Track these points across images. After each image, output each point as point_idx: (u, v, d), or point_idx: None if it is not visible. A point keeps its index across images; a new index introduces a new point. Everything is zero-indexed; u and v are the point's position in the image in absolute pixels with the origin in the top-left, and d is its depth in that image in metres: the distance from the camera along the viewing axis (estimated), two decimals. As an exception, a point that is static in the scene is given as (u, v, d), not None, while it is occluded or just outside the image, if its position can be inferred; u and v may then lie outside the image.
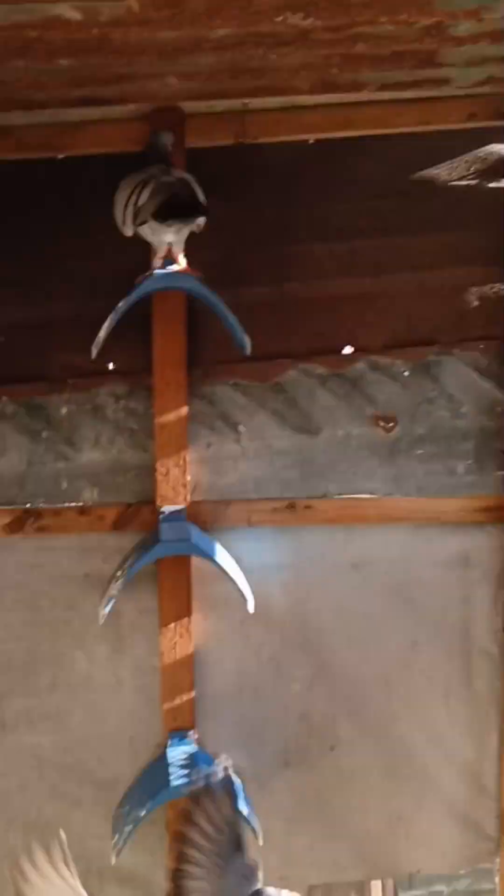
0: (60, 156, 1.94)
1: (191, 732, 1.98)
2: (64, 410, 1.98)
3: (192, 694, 1.99)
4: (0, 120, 1.88)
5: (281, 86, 1.80)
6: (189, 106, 1.90)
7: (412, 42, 1.58)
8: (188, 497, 1.93)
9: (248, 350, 1.85)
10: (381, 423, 1.97)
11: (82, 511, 1.98)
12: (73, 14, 1.32)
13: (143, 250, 1.84)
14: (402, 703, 2.00)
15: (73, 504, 1.98)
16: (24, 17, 1.32)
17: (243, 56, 1.61)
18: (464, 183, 1.92)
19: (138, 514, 1.96)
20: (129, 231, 1.76)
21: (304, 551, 1.99)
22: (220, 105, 1.91)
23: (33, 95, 1.75)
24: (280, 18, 1.43)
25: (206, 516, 1.95)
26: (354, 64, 1.68)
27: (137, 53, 1.55)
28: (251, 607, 1.79)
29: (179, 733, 1.98)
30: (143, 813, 1.79)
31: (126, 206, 1.74)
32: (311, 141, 1.95)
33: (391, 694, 2.01)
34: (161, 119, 1.90)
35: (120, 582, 1.78)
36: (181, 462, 1.92)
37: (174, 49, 1.55)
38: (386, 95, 1.87)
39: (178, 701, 1.99)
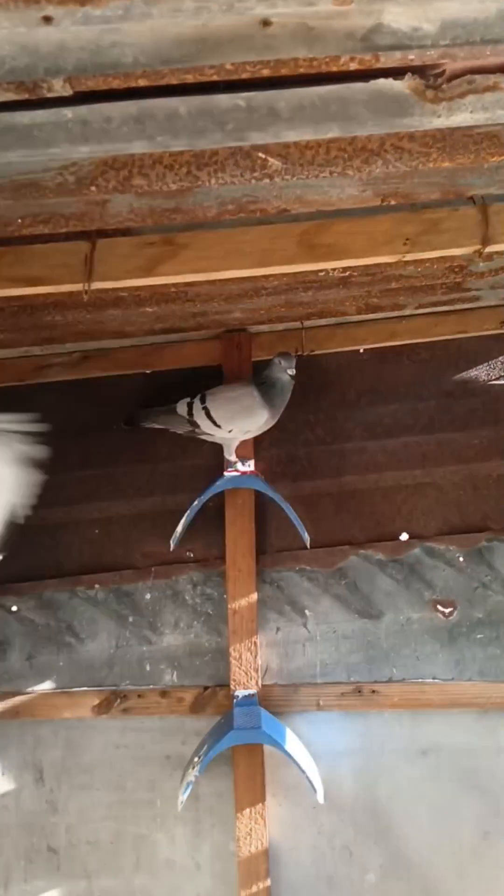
0: (148, 371, 2.26)
1: (268, 923, 1.98)
2: (148, 596, 2.17)
3: (268, 882, 2.00)
4: (98, 345, 2.22)
5: (331, 310, 2.07)
6: (254, 328, 2.20)
7: (439, 278, 1.82)
8: (259, 681, 2.05)
9: (308, 544, 2.03)
10: (440, 608, 2.06)
11: (163, 693, 2.12)
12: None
13: (219, 448, 2.10)
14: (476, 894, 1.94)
15: (155, 686, 2.13)
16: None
17: (295, 297, 1.89)
18: (502, 382, 2.10)
19: (214, 697, 2.09)
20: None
21: (372, 736, 2.03)
22: (280, 325, 2.20)
23: (125, 329, 2.08)
24: (322, 273, 1.71)
25: (276, 700, 2.05)
26: (392, 294, 1.93)
27: (207, 301, 1.86)
28: (321, 798, 1.84)
29: (257, 923, 1.99)
30: None
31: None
32: (361, 350, 2.20)
33: (464, 884, 1.95)
34: (231, 340, 2.21)
35: (196, 768, 1.87)
36: (252, 647, 2.06)
37: (237, 296, 1.84)
38: (424, 310, 2.11)
39: (254, 888, 2.01)
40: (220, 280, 1.63)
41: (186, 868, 2.09)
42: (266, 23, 0.90)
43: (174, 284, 1.63)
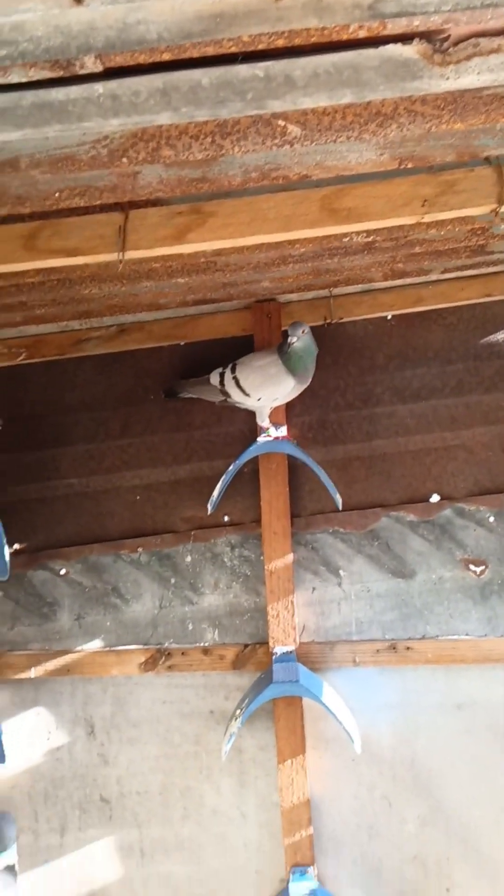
0: (182, 342, 2.34)
1: (311, 869, 2.07)
2: (188, 559, 2.27)
3: (311, 830, 2.09)
4: (134, 318, 2.31)
5: (358, 277, 2.12)
6: (283, 297, 2.27)
7: (461, 241, 1.85)
8: (297, 638, 2.13)
9: (340, 506, 2.09)
10: (472, 567, 2.11)
11: (206, 651, 2.21)
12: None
13: (252, 415, 2.17)
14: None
15: (197, 644, 2.22)
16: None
17: (321, 264, 1.95)
18: (529, 343, 2.13)
19: (254, 654, 2.18)
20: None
21: (408, 691, 2.10)
22: (309, 294, 2.26)
23: (158, 301, 2.16)
24: (346, 239, 1.76)
25: (314, 657, 2.13)
26: (417, 259, 1.97)
27: (236, 270, 1.92)
28: (358, 748, 1.91)
29: (300, 869, 2.08)
30: None
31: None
32: (389, 317, 2.24)
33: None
34: (261, 309, 2.27)
35: (239, 720, 1.97)
36: (289, 606, 2.14)
37: (265, 265, 1.91)
38: (450, 275, 2.14)
39: (297, 837, 2.10)
40: (247, 248, 1.69)
41: (233, 818, 2.19)
42: (278, -5, 0.96)
43: (203, 254, 1.70)
